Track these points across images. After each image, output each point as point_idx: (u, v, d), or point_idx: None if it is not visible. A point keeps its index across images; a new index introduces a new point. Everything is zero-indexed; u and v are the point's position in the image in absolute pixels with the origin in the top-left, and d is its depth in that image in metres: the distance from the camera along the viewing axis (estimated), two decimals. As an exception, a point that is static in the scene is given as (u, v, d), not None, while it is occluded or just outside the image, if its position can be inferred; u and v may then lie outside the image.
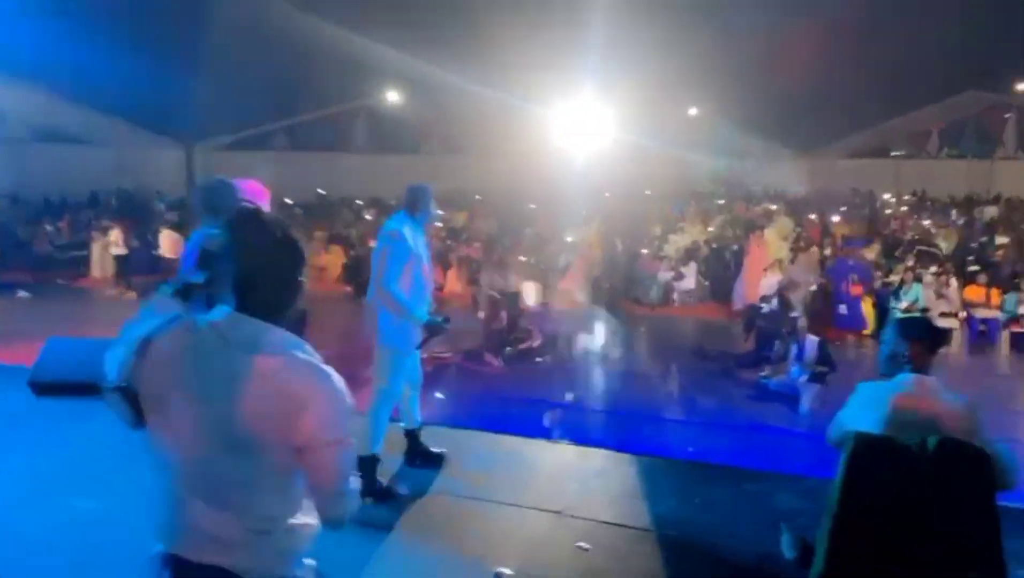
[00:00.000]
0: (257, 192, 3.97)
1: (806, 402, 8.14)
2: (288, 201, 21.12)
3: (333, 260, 14.50)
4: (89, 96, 19.77)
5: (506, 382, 8.39)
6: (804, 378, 8.44)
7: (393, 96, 23.57)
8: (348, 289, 13.90)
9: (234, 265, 1.73)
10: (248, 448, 1.65)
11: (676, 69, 17.80)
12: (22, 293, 13.61)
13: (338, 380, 1.72)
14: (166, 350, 1.74)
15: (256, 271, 1.73)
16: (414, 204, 4.46)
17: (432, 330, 4.33)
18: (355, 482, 1.76)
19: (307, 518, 1.77)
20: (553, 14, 18.64)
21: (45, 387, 6.29)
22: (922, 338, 2.92)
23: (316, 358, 1.73)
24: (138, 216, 17.75)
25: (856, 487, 2.64)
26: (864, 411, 2.86)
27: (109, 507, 4.19)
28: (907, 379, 2.83)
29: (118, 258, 14.08)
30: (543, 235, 14.31)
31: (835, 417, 3.03)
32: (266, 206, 3.96)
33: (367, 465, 4.17)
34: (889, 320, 3.20)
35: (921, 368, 2.86)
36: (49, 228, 16.94)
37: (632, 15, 15.66)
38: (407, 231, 4.30)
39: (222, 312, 1.74)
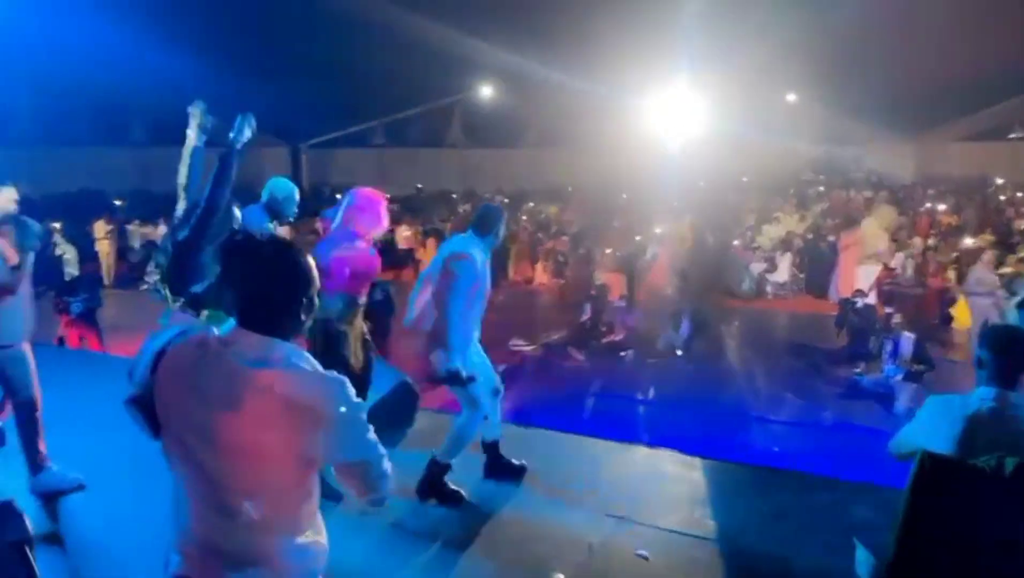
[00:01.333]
0: (372, 201, 4.15)
1: (902, 402, 7.83)
2: (387, 196, 21.83)
3: (428, 253, 14.92)
4: (206, 99, 20.95)
5: (587, 377, 8.44)
6: (899, 376, 8.12)
7: (489, 91, 23.82)
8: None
9: (231, 289, 1.81)
10: (256, 461, 1.69)
11: (772, 54, 17.17)
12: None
13: (350, 389, 1.74)
14: (177, 362, 1.78)
15: (252, 297, 1.78)
16: (487, 225, 4.18)
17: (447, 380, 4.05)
18: (385, 468, 1.80)
19: (317, 536, 1.82)
20: (646, 2, 18.32)
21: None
22: (1004, 350, 2.63)
23: (322, 370, 1.77)
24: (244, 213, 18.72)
25: (922, 512, 2.48)
26: (934, 428, 2.64)
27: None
28: (986, 394, 2.59)
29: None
30: (631, 227, 14.20)
31: (901, 430, 2.86)
32: (381, 213, 4.15)
33: (437, 471, 4.22)
34: (983, 327, 2.96)
35: (1003, 381, 2.59)
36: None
37: (724, 2, 15.23)
38: (477, 254, 4.05)
39: (230, 326, 1.79)
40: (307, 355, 1.81)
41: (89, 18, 15.82)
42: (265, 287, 1.79)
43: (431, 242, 14.86)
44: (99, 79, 19.05)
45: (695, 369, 8.75)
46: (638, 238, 13.19)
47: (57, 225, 14.71)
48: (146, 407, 1.83)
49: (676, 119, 16.78)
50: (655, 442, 5.49)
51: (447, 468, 4.24)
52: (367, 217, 4.11)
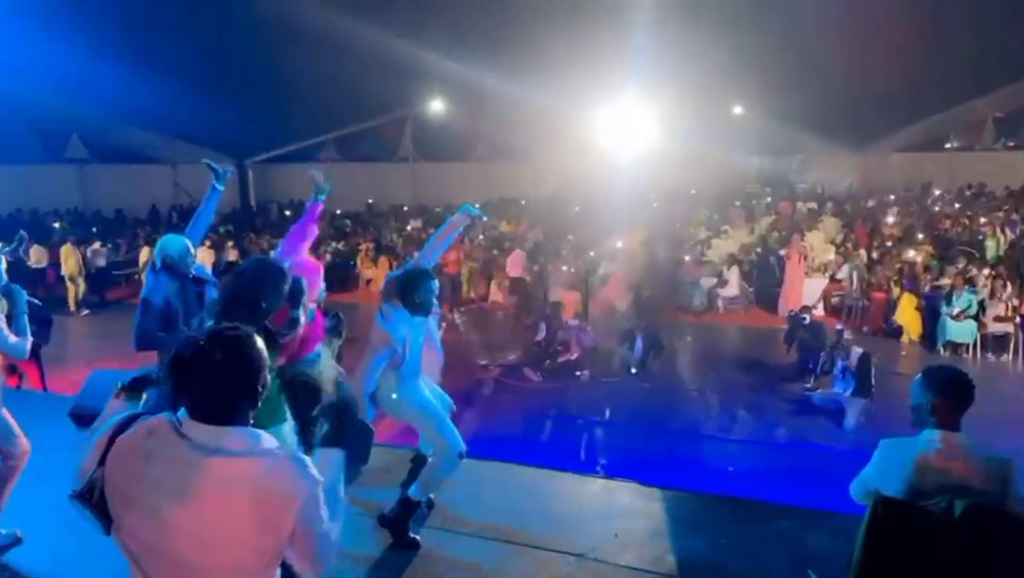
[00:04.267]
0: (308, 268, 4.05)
1: (851, 417, 7.97)
2: (338, 212, 21.55)
3: (380, 272, 14.73)
4: (147, 117, 20.50)
5: (542, 399, 8.40)
6: (849, 392, 8.27)
7: (438, 104, 23.75)
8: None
9: (193, 384, 1.72)
10: (218, 549, 1.65)
11: (718, 67, 17.48)
12: (84, 311, 14.25)
13: (314, 469, 1.72)
14: (128, 454, 1.72)
15: (206, 396, 1.72)
16: (409, 297, 4.22)
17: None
18: (336, 531, 1.79)
19: None
20: (595, 16, 18.49)
21: (87, 419, 6.51)
22: (948, 393, 2.64)
23: (280, 448, 1.74)
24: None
25: (877, 555, 2.47)
26: (885, 471, 2.66)
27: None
28: (932, 436, 2.60)
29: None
30: (584, 242, 14.25)
31: (859, 474, 2.84)
32: (317, 280, 4.01)
33: (408, 509, 4.18)
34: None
35: (948, 423, 2.61)
36: (108, 245, 17.54)
37: (672, 15, 15.45)
38: (403, 330, 4.14)
39: (184, 415, 1.73)
40: (263, 434, 1.76)
41: (27, 33, 15.33)
42: (226, 387, 1.73)
43: (383, 261, 14.68)
44: (37, 95, 18.50)
45: (650, 388, 8.80)
46: (592, 253, 13.24)
47: None
48: (94, 500, 1.74)
49: (626, 131, 16.96)
50: (612, 471, 5.47)
51: (417, 506, 4.22)
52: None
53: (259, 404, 1.78)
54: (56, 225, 18.24)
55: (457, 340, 11.28)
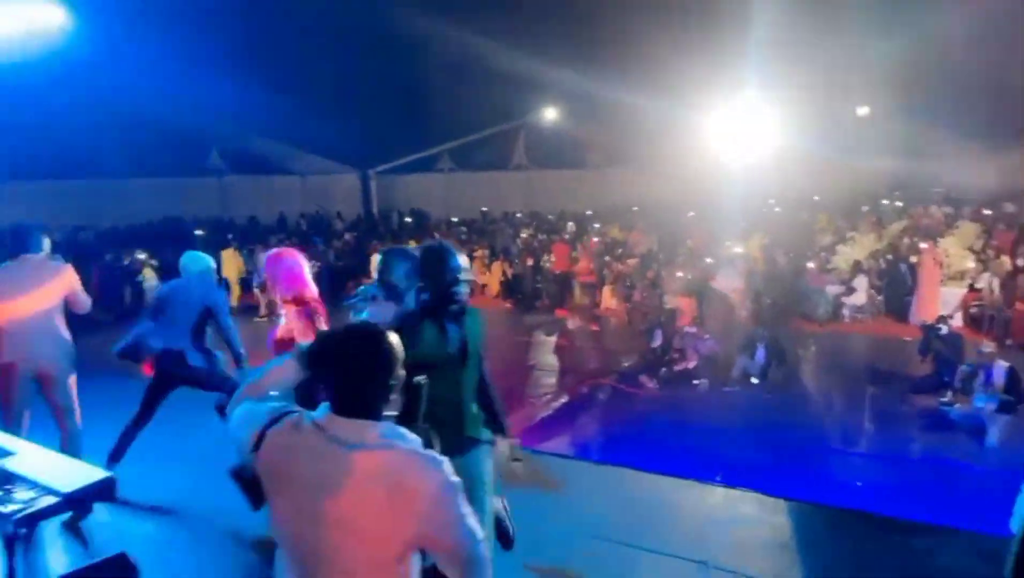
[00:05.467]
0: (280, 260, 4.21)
1: (994, 435, 7.48)
2: (454, 219, 22.12)
3: (493, 278, 15.03)
4: (279, 130, 21.83)
5: (659, 408, 8.33)
6: (992, 408, 7.76)
7: (551, 113, 23.97)
8: (507, 305, 14.40)
9: (329, 374, 1.87)
10: (357, 541, 1.75)
11: (842, 66, 16.75)
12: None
13: (447, 465, 1.80)
14: (278, 447, 1.86)
15: (345, 387, 1.85)
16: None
17: None
18: (481, 549, 1.80)
19: None
20: (710, 17, 18.17)
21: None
22: None
23: (419, 445, 1.83)
24: (320, 237, 19.33)
25: None
26: None
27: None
28: None
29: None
30: (700, 248, 14.01)
31: (1017, 500, 2.69)
32: (299, 272, 4.17)
33: None
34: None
35: None
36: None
37: (792, 14, 14.95)
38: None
39: (323, 410, 1.87)
40: (404, 431, 1.87)
41: (172, 55, 16.66)
42: (360, 377, 1.85)
43: (496, 267, 14.96)
44: (181, 112, 20.09)
45: (772, 398, 8.54)
46: (708, 260, 12.99)
47: (142, 256, 15.32)
48: (247, 481, 1.93)
49: (743, 135, 16.55)
50: (734, 481, 5.39)
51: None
52: (285, 279, 4.15)
53: (392, 399, 1.90)
54: (198, 233, 19.58)
55: (570, 346, 11.38)
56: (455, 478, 1.80)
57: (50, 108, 16.97)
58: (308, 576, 1.83)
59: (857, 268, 12.57)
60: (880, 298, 12.56)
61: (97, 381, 5.46)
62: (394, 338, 1.92)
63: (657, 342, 10.11)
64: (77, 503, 2.70)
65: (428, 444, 1.94)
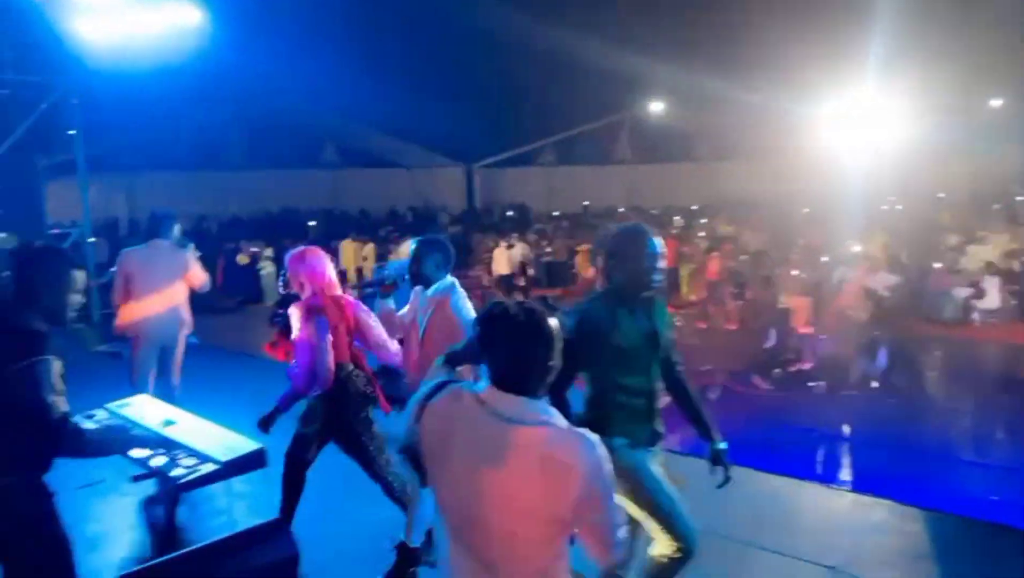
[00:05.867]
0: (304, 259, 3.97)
1: None
2: (555, 213, 22.17)
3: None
4: (389, 125, 22.47)
5: (775, 409, 8.09)
6: None
7: (658, 105, 23.61)
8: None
9: (495, 349, 1.91)
10: (513, 515, 1.78)
11: (971, 55, 15.70)
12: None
13: (600, 447, 1.80)
14: (438, 416, 1.93)
15: (509, 361, 1.88)
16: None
17: None
18: (623, 532, 1.85)
19: None
20: (827, 4, 17.44)
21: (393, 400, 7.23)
22: None
23: (575, 428, 1.84)
24: (426, 229, 19.76)
25: None
26: None
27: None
28: None
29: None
30: (815, 246, 13.45)
31: None
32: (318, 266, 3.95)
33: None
34: None
35: None
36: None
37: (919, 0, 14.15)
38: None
39: (484, 385, 1.91)
40: (556, 412, 1.89)
41: (285, 52, 17.37)
42: (522, 353, 1.88)
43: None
44: (297, 107, 20.99)
45: (895, 403, 8.13)
46: (825, 259, 12.46)
47: (255, 249, 16.05)
48: (415, 456, 1.99)
49: (861, 129, 15.81)
50: (860, 487, 5.18)
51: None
52: (308, 276, 3.92)
53: (543, 387, 1.91)
54: (311, 224, 20.40)
55: (679, 343, 11.16)
56: (608, 462, 1.81)
57: (183, 103, 18.03)
58: (467, 546, 1.88)
59: (990, 269, 11.78)
60: (1014, 302, 11.73)
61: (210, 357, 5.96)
62: (556, 320, 1.94)
63: (771, 342, 9.82)
64: (235, 470, 2.86)
65: None
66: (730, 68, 18.64)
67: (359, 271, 15.47)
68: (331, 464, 4.02)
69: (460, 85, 21.98)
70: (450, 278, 3.77)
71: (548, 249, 16.93)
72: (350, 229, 20.73)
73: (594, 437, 1.83)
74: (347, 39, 19.61)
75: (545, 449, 1.77)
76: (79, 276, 2.82)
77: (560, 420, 1.86)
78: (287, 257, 4.06)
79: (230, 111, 21.00)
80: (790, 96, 17.61)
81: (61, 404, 2.53)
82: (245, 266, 15.96)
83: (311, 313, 3.80)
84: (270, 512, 3.01)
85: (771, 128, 19.96)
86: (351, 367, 3.92)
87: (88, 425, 2.85)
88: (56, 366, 2.56)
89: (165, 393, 5.30)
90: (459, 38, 20.92)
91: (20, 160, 9.48)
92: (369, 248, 15.89)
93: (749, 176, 21.95)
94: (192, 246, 5.82)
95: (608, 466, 1.81)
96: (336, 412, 3.90)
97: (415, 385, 3.52)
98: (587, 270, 14.92)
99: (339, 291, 3.99)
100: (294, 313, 3.87)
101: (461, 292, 3.74)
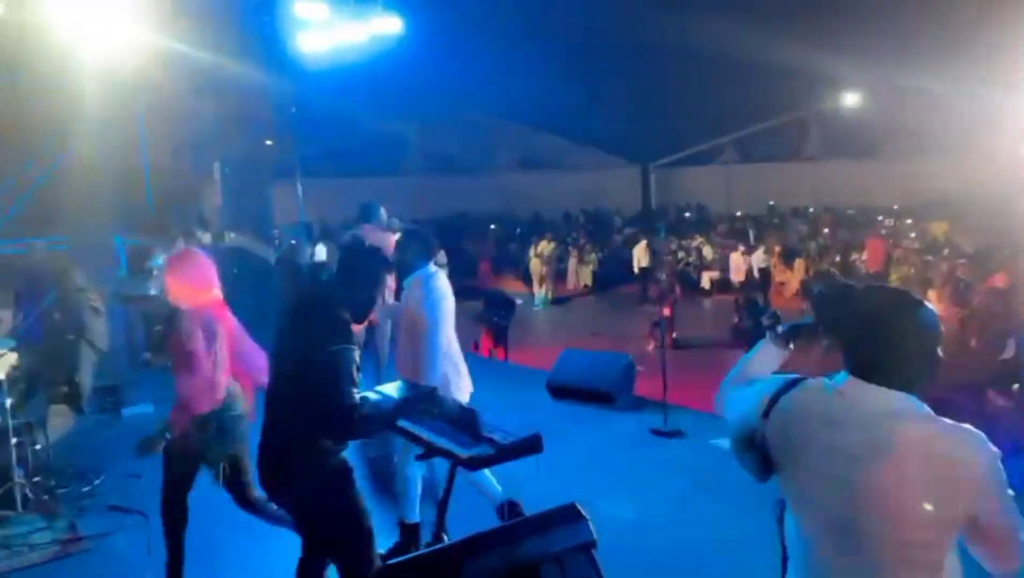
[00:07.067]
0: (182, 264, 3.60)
1: None
2: (737, 214, 21.29)
3: (794, 276, 14.10)
4: (561, 126, 22.58)
5: (1019, 427, 7.16)
6: None
7: (851, 98, 21.99)
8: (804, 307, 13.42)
9: (858, 328, 1.73)
10: (893, 516, 1.63)
11: None
12: (519, 301, 16.07)
13: (992, 446, 1.62)
14: (791, 413, 1.79)
15: (874, 349, 1.71)
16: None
17: None
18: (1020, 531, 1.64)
19: None
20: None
21: (559, 390, 7.22)
22: None
23: (959, 424, 1.66)
24: (601, 232, 19.63)
25: None
26: None
27: (641, 517, 4.59)
28: None
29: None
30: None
31: None
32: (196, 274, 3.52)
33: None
34: None
35: None
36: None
37: None
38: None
39: (843, 378, 1.74)
40: (928, 409, 1.70)
41: (458, 56, 17.81)
42: (893, 340, 1.70)
43: (799, 264, 13.99)
44: (472, 112, 21.55)
45: None
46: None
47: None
48: (756, 449, 1.85)
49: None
50: None
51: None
52: (191, 282, 3.51)
53: (923, 382, 1.72)
54: (492, 227, 20.87)
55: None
56: (1000, 460, 1.62)
57: (368, 110, 18.98)
58: (837, 549, 1.74)
59: None
60: None
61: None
62: (933, 310, 1.75)
63: (1010, 353, 8.78)
64: (511, 454, 2.83)
65: None
66: (930, 56, 17.05)
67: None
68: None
69: (636, 82, 21.61)
70: (432, 267, 3.86)
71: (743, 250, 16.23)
72: (524, 234, 21.06)
73: (982, 434, 1.64)
74: (518, 42, 19.85)
75: (932, 446, 1.61)
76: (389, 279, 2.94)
77: (938, 417, 1.68)
78: (165, 261, 3.82)
79: (410, 119, 21.90)
80: (997, 83, 15.81)
81: (355, 394, 2.61)
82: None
83: (201, 320, 3.40)
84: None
85: (977, 119, 18.05)
86: (234, 382, 3.54)
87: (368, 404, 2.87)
88: (356, 355, 2.65)
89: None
90: (634, 35, 20.57)
91: (251, 163, 10.26)
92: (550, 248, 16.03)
93: (953, 173, 19.91)
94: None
95: (1000, 465, 1.62)
96: (216, 435, 3.46)
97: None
98: (783, 273, 14.18)
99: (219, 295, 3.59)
100: (184, 322, 3.41)
101: (438, 284, 3.77)
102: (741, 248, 14.53)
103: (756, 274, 13.63)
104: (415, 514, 3.90)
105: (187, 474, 3.47)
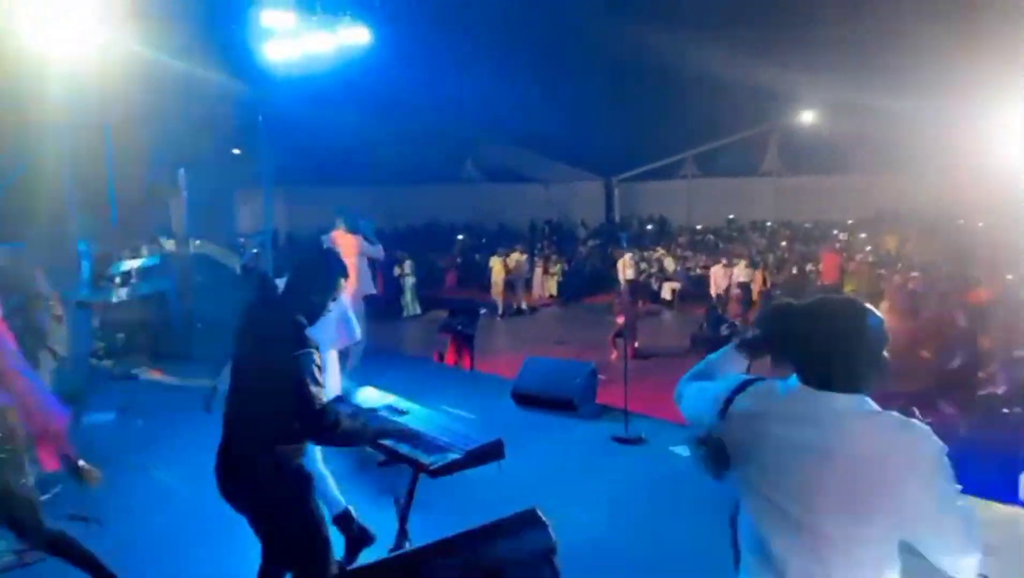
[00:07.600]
0: None
1: None
2: (697, 227, 21.65)
3: (754, 287, 14.43)
4: (528, 139, 22.74)
5: (973, 437, 7.40)
6: None
7: (810, 115, 22.57)
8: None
9: (802, 343, 1.77)
10: (848, 512, 1.67)
11: None
12: (483, 310, 16.13)
13: (936, 438, 1.65)
14: (749, 411, 1.81)
15: (828, 353, 1.74)
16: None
17: None
18: (978, 546, 1.65)
19: None
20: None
21: (524, 398, 7.28)
22: None
23: (905, 417, 1.70)
24: (566, 244, 19.80)
25: None
26: None
27: (601, 523, 4.69)
28: None
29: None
30: (997, 263, 12.38)
31: None
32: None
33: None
34: None
35: None
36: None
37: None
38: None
39: (793, 383, 1.78)
40: (876, 406, 1.74)
41: (426, 67, 17.84)
42: (833, 348, 1.75)
43: (757, 276, 14.32)
44: (441, 123, 21.59)
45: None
46: (1009, 277, 11.46)
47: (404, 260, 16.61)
48: (713, 448, 1.87)
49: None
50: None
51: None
52: None
53: (872, 385, 1.76)
54: (460, 238, 20.89)
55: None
56: (943, 446, 1.65)
57: (337, 119, 18.91)
58: (792, 546, 1.77)
59: None
60: None
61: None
62: (878, 314, 1.79)
63: (956, 363, 9.08)
64: (475, 460, 2.90)
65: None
66: (889, 73, 17.55)
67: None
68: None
69: (599, 98, 21.89)
70: None
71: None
72: (490, 244, 21.13)
73: (928, 428, 1.68)
74: (486, 55, 19.94)
75: (881, 442, 1.67)
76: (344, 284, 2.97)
77: (886, 413, 1.71)
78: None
79: (381, 129, 21.84)
80: (954, 101, 16.33)
81: (321, 394, 2.64)
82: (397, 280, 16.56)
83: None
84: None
85: (934, 137, 18.59)
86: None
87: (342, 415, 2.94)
88: (317, 357, 2.68)
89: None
90: (598, 52, 20.84)
91: (216, 171, 10.22)
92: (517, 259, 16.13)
93: (909, 189, 20.52)
94: None
95: (946, 459, 1.65)
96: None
97: None
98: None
99: None
100: None
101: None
102: (723, 261, 14.79)
103: (738, 289, 13.88)
104: (340, 504, 3.82)
105: None
